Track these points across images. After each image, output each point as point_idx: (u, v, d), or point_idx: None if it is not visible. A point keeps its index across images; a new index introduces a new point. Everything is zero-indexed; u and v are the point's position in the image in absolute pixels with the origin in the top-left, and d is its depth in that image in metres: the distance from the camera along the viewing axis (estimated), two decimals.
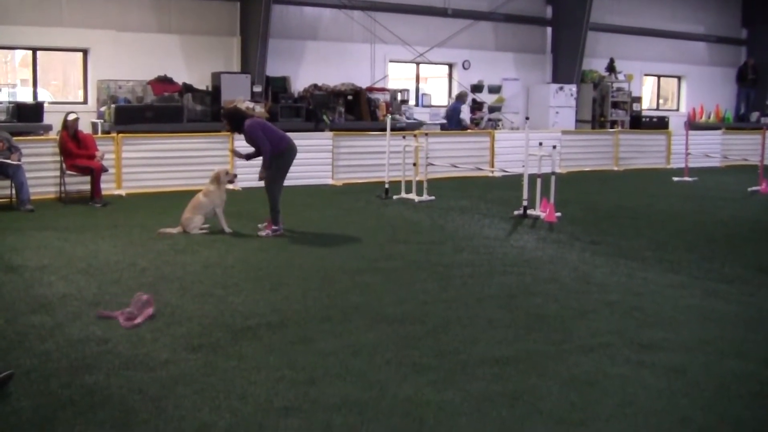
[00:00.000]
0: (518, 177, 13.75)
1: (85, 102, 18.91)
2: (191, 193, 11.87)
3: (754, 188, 17.37)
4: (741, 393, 5.40)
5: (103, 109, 17.98)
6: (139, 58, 18.83)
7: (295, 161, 17.15)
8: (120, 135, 15.71)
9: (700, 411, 5.10)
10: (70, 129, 13.92)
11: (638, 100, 27.41)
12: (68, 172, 14.15)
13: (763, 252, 10.50)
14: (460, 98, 22.08)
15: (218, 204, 11.32)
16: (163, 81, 18.73)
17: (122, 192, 15.24)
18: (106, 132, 17.01)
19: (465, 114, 22.47)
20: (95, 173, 13.88)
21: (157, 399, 5.18)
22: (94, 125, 17.84)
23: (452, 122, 21.49)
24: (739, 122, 28.84)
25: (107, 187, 14.68)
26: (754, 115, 29.04)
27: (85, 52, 18.96)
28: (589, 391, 5.41)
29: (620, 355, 6.14)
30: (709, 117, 28.81)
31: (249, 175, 15.34)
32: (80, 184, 14.45)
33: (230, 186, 12.75)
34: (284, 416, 4.94)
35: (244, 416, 4.94)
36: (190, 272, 8.80)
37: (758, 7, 29.94)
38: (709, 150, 22.44)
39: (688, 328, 6.90)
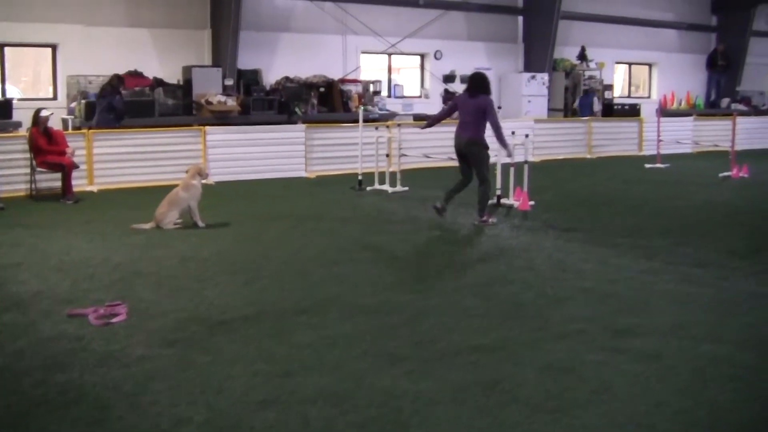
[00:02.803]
0: (492, 166, 13.74)
1: (55, 98, 18.72)
2: (164, 188, 11.81)
3: (726, 173, 17.49)
4: (716, 376, 5.44)
5: (73, 104, 17.82)
6: (109, 53, 18.65)
7: (267, 153, 17.23)
8: (91, 131, 15.58)
9: (676, 395, 5.13)
10: (40, 125, 13.78)
11: (610, 87, 27.51)
12: (39, 168, 14.00)
13: (735, 236, 10.57)
14: (593, 92, 25.34)
15: (195, 198, 11.25)
16: (134, 75, 18.58)
17: (94, 188, 15.12)
18: (76, 128, 16.85)
19: (596, 105, 25.24)
20: (66, 169, 13.76)
21: (132, 395, 5.14)
22: (64, 121, 17.67)
23: (586, 110, 24.43)
24: (710, 108, 29.04)
25: (79, 183, 14.56)
26: (725, 102, 29.24)
27: (53, 47, 18.78)
28: (565, 378, 5.43)
29: (595, 341, 6.17)
30: (680, 104, 29.01)
31: (221, 169, 15.30)
32: (51, 180, 14.30)
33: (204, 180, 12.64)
34: (261, 409, 4.92)
35: (220, 410, 4.91)
36: (164, 267, 8.74)
37: None
38: (681, 136, 22.55)
39: (663, 314, 6.94)
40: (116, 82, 17.08)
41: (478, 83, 11.54)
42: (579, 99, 25.21)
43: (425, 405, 4.99)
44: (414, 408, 4.94)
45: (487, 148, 11.44)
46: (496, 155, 13.33)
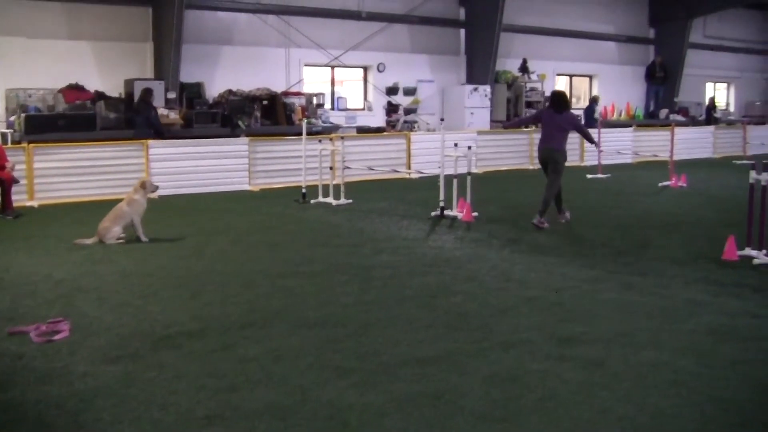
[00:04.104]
0: (435, 178, 13.83)
1: None
2: (106, 203, 11.69)
3: (665, 183, 17.80)
4: (657, 382, 5.53)
5: (12, 118, 17.55)
6: (49, 66, 18.44)
7: (211, 166, 17.16)
8: (31, 145, 15.38)
9: (619, 402, 5.20)
10: None
11: None
12: None
13: (675, 244, 10.75)
14: (595, 101, 26.89)
15: (139, 213, 11.15)
16: (75, 88, 18.37)
17: (35, 203, 14.92)
18: (16, 142, 16.61)
19: (597, 113, 26.51)
20: (6, 184, 13.55)
21: (75, 413, 5.08)
22: (3, 135, 17.40)
23: (589, 119, 25.24)
24: (649, 119, 29.55)
25: (19, 198, 14.36)
26: (663, 112, 29.78)
27: None
28: (511, 387, 5.47)
29: (540, 350, 6.23)
30: (620, 114, 29.48)
31: (164, 183, 15.18)
32: None
33: (152, 196, 12.51)
34: (206, 425, 4.88)
35: (165, 427, 4.87)
36: (107, 282, 8.65)
37: (664, 6, 30.73)
38: (621, 147, 22.92)
39: (606, 322, 7.03)
40: (147, 96, 17.59)
41: (562, 101, 12.74)
42: (587, 107, 26.66)
43: (372, 417, 4.99)
44: (361, 420, 4.95)
45: (566, 157, 12.67)
46: (439, 167, 13.43)
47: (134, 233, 11.09)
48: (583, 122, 24.85)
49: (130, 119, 17.70)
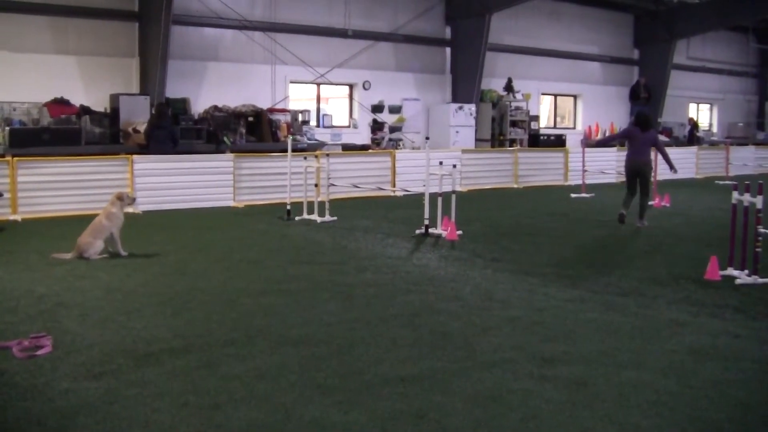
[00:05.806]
0: (419, 196, 13.86)
1: None
2: (90, 218, 11.64)
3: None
4: (639, 402, 5.55)
5: None
6: (34, 80, 18.42)
7: (195, 182, 17.12)
8: (15, 158, 15.33)
9: (601, 421, 5.22)
10: None
11: (536, 118, 27.99)
12: None
13: (657, 265, 10.80)
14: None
15: (117, 226, 11.11)
16: (60, 103, 18.33)
17: (18, 217, 14.85)
18: (0, 155, 16.57)
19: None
20: None
21: (57, 430, 5.05)
22: None
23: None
24: None
25: (2, 212, 14.34)
26: None
27: None
28: (493, 406, 5.48)
29: (523, 369, 6.24)
30: (604, 134, 29.58)
31: (149, 198, 15.17)
32: None
33: (130, 209, 12.50)
34: None
35: None
36: (90, 298, 8.62)
37: (649, 28, 31.01)
38: (605, 167, 23.00)
39: (588, 341, 7.06)
40: (167, 110, 17.91)
41: (647, 121, 14.95)
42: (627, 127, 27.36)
43: None
44: None
45: (652, 168, 15.03)
46: (424, 185, 13.45)
47: (112, 247, 11.04)
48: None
49: (150, 134, 17.52)
